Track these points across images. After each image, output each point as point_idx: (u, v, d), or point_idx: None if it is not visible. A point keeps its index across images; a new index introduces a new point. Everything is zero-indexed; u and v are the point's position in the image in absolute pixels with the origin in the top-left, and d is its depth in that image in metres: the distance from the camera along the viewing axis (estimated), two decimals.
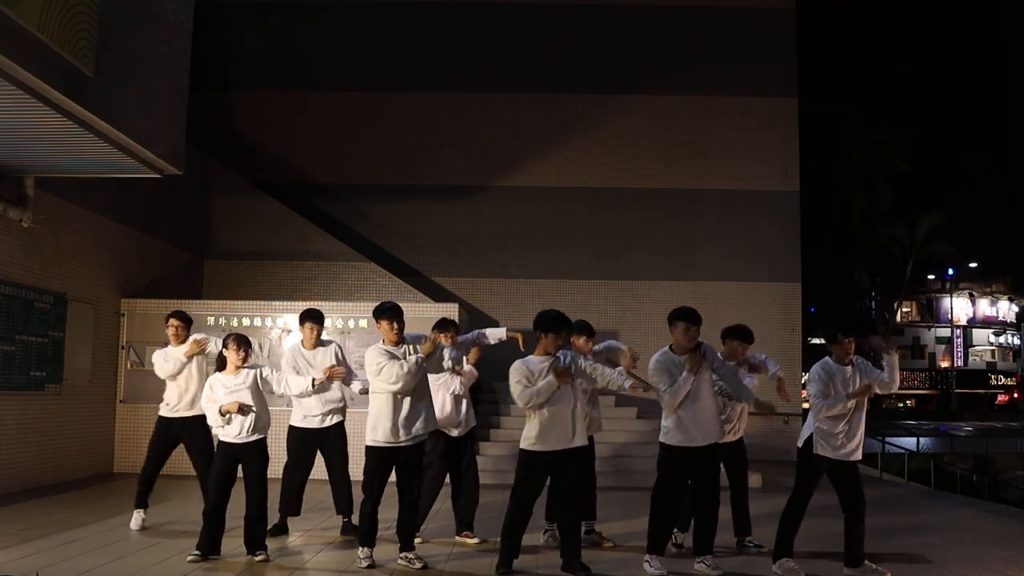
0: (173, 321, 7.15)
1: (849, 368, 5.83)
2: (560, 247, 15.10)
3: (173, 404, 7.07)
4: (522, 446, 5.74)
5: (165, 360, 7.06)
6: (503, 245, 15.13)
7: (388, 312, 5.95)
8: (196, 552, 5.92)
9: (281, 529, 6.91)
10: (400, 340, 5.94)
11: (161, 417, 7.13)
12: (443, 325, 6.62)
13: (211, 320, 11.14)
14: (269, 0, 15.54)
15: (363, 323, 11.08)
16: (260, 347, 11.07)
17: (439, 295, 14.03)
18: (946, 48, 49.78)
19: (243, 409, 5.94)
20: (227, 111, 15.16)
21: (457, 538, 6.71)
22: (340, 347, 7.08)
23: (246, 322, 11.17)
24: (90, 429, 10.48)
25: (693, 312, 5.85)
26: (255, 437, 6.02)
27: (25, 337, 9.11)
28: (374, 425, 5.85)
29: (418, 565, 5.78)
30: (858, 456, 5.84)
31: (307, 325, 6.91)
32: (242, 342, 6.10)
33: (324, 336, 7.08)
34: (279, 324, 11.13)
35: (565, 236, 15.11)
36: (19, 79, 6.02)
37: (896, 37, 48.34)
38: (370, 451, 5.88)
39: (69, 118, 6.80)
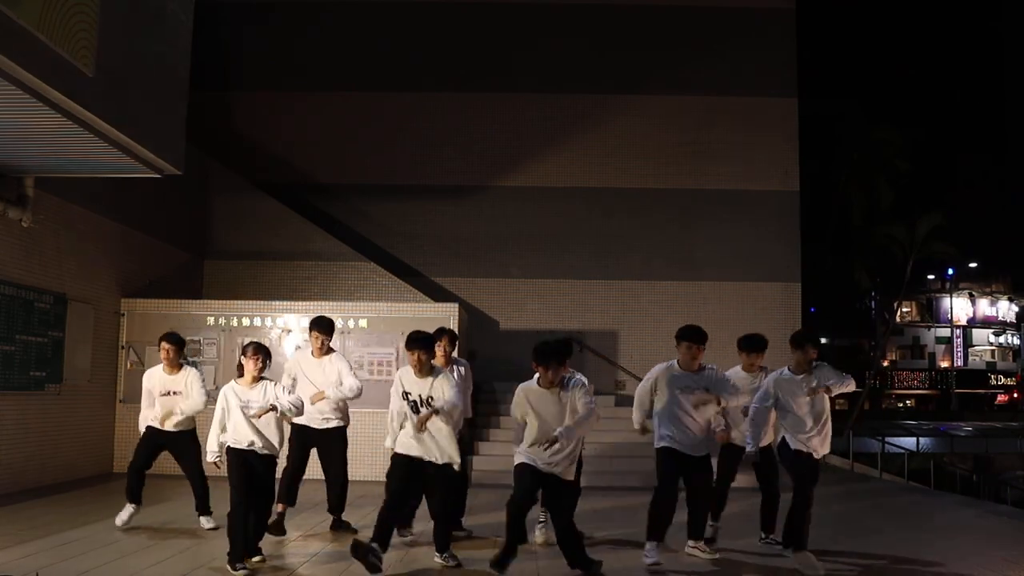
0: (165, 344, 7.01)
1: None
2: (560, 247, 15.09)
3: (149, 419, 7.16)
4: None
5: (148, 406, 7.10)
6: (503, 245, 15.13)
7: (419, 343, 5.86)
8: (242, 566, 5.56)
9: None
10: None
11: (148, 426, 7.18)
12: None
13: (211, 320, 11.15)
14: (269, 0, 15.54)
15: (363, 323, 11.09)
16: None
17: (439, 295, 14.03)
18: (946, 48, 49.81)
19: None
20: (227, 111, 15.15)
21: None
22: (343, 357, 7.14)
23: (246, 322, 11.18)
24: (90, 429, 10.48)
25: (697, 331, 6.08)
26: (265, 452, 5.82)
27: (25, 337, 9.11)
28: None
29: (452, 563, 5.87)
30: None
31: (313, 334, 6.96)
32: (260, 351, 5.86)
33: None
34: (279, 324, 11.13)
35: (565, 236, 15.10)
36: (19, 79, 6.02)
37: (896, 37, 48.38)
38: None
39: (69, 118, 6.79)
